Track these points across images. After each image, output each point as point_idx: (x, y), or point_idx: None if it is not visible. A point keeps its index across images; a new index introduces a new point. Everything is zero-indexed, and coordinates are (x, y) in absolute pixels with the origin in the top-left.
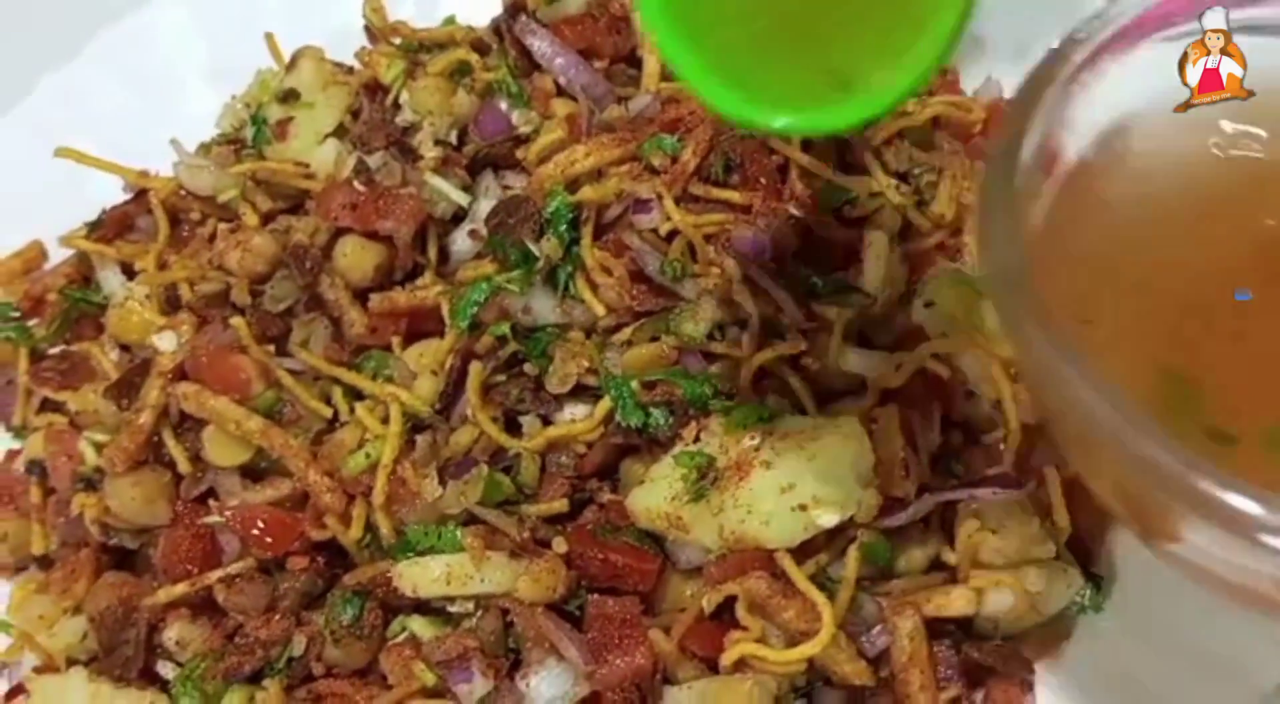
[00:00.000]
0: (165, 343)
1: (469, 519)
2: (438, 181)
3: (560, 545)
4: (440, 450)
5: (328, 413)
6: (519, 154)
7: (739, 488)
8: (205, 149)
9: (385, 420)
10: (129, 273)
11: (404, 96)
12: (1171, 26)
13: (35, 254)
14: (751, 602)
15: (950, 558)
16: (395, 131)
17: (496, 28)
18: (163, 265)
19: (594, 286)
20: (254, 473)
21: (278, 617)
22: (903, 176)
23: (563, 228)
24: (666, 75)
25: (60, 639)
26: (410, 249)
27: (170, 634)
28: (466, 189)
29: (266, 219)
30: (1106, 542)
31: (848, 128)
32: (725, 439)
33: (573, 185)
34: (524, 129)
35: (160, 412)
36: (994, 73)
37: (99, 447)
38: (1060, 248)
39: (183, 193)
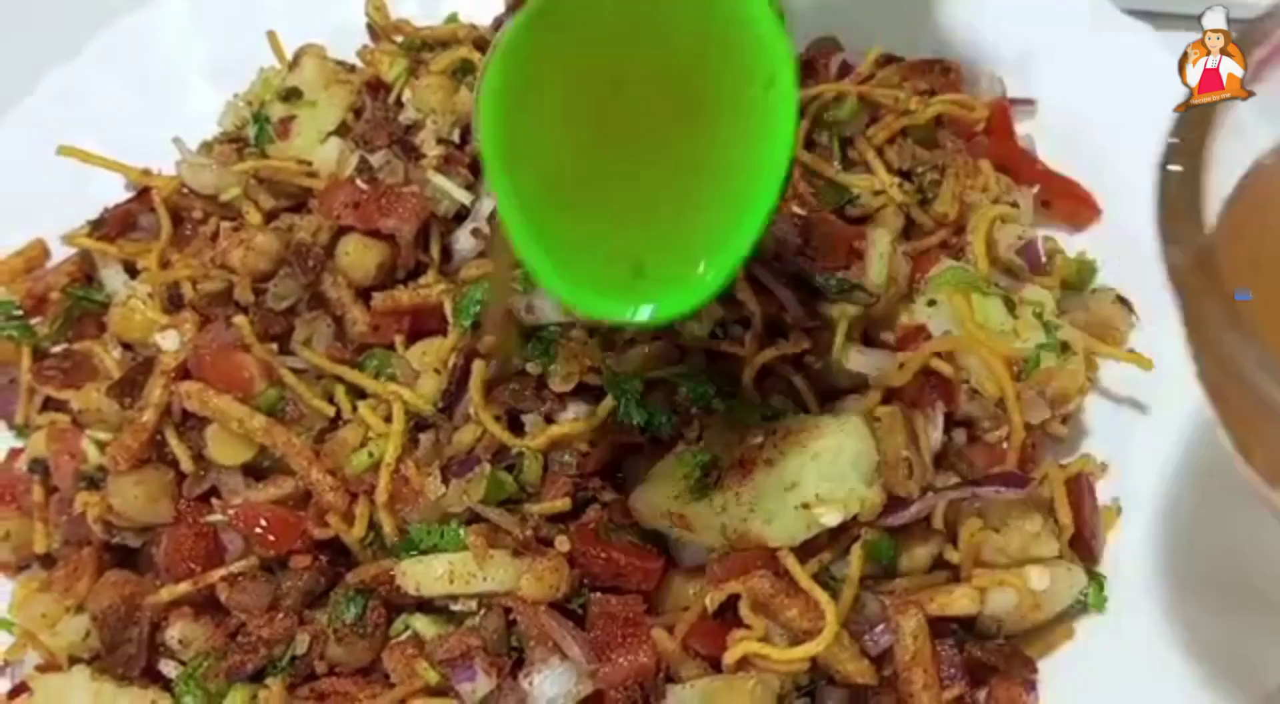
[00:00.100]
0: (168, 341)
1: (472, 518)
2: (440, 180)
3: (563, 544)
4: (443, 449)
5: (330, 411)
6: None
7: (742, 486)
8: (207, 147)
9: (388, 419)
10: (131, 271)
11: (406, 95)
12: None
13: (38, 252)
14: (754, 600)
15: (953, 557)
16: (398, 130)
17: (499, 25)
18: (165, 264)
19: None
20: (257, 471)
21: (280, 615)
22: (905, 175)
23: None
24: None
25: (63, 638)
26: (413, 247)
27: (173, 633)
28: (469, 187)
29: (269, 217)
30: (1109, 540)
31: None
32: (728, 437)
33: None
34: None
35: (163, 410)
36: (996, 71)
37: (101, 445)
38: (1238, 247)
39: (185, 191)
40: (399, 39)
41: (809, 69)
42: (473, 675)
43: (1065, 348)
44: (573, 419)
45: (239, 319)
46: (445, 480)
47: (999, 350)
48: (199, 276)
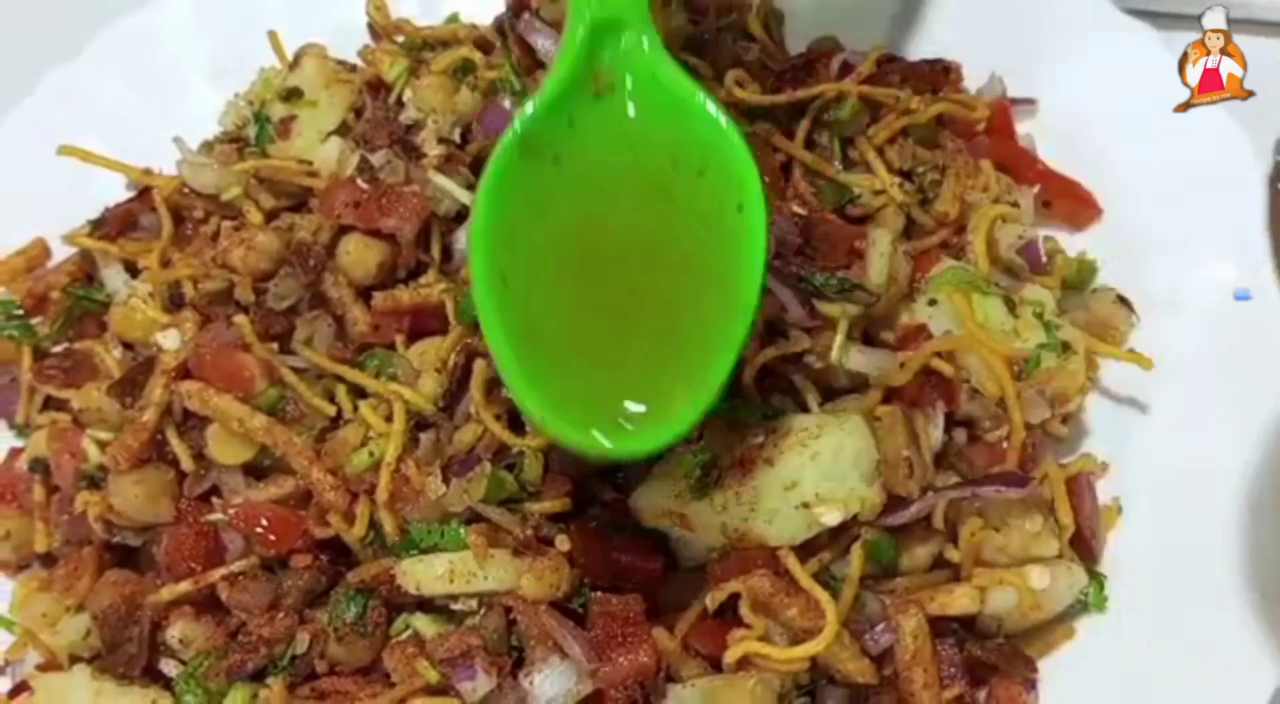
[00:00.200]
0: (168, 341)
1: (472, 517)
2: (441, 179)
3: (563, 543)
4: (444, 448)
5: (331, 411)
6: None
7: (742, 486)
8: (208, 147)
9: (389, 418)
10: (132, 271)
11: (407, 94)
12: None
13: (38, 252)
14: (755, 600)
15: (953, 556)
16: (398, 129)
17: (500, 26)
18: (166, 263)
19: None
20: (257, 471)
21: (281, 615)
22: (906, 175)
23: None
24: None
25: (63, 637)
26: (413, 247)
27: (173, 632)
28: (470, 187)
29: (270, 217)
30: (1109, 540)
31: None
32: (728, 437)
33: None
34: None
35: (163, 410)
36: (996, 71)
37: (102, 444)
38: None
39: (186, 191)
40: (400, 39)
41: (809, 69)
42: (473, 674)
43: (1065, 347)
44: None
45: (240, 318)
46: (446, 480)
47: (999, 350)
48: (200, 276)
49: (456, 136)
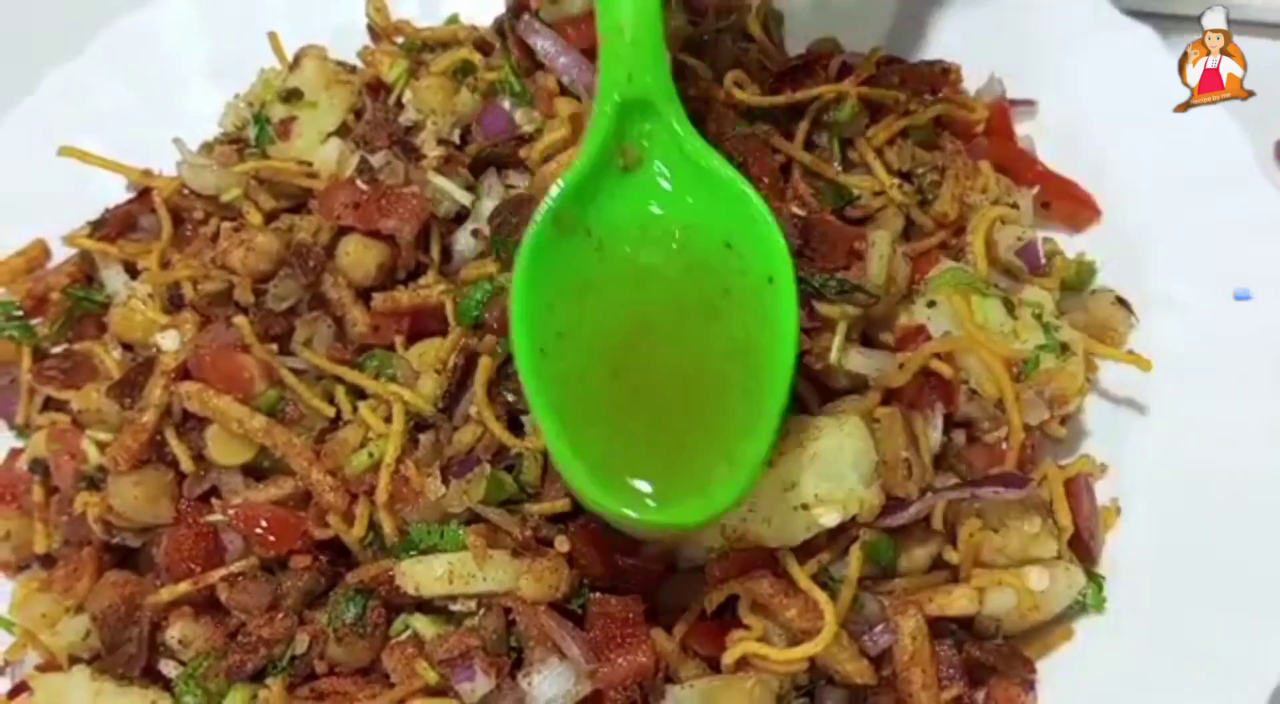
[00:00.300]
0: (168, 342)
1: (471, 518)
2: (440, 181)
3: (563, 544)
4: (443, 449)
5: (330, 412)
6: (522, 153)
7: None
8: (208, 148)
9: (388, 419)
10: (132, 272)
11: (407, 96)
12: None
13: (38, 253)
14: (753, 601)
15: (952, 557)
16: (398, 131)
17: (499, 27)
18: (166, 264)
19: None
20: (257, 472)
21: (280, 615)
22: (905, 176)
23: None
24: None
25: (63, 637)
26: (413, 248)
27: (173, 633)
28: (469, 188)
29: (269, 218)
30: (1108, 541)
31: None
32: None
33: None
34: (527, 128)
35: (163, 411)
36: (996, 72)
37: (102, 445)
38: None
39: (186, 192)
40: (399, 40)
41: (808, 70)
42: (472, 675)
43: (1064, 349)
44: None
45: (239, 319)
46: (445, 481)
47: (998, 351)
48: (199, 277)
49: (456, 138)
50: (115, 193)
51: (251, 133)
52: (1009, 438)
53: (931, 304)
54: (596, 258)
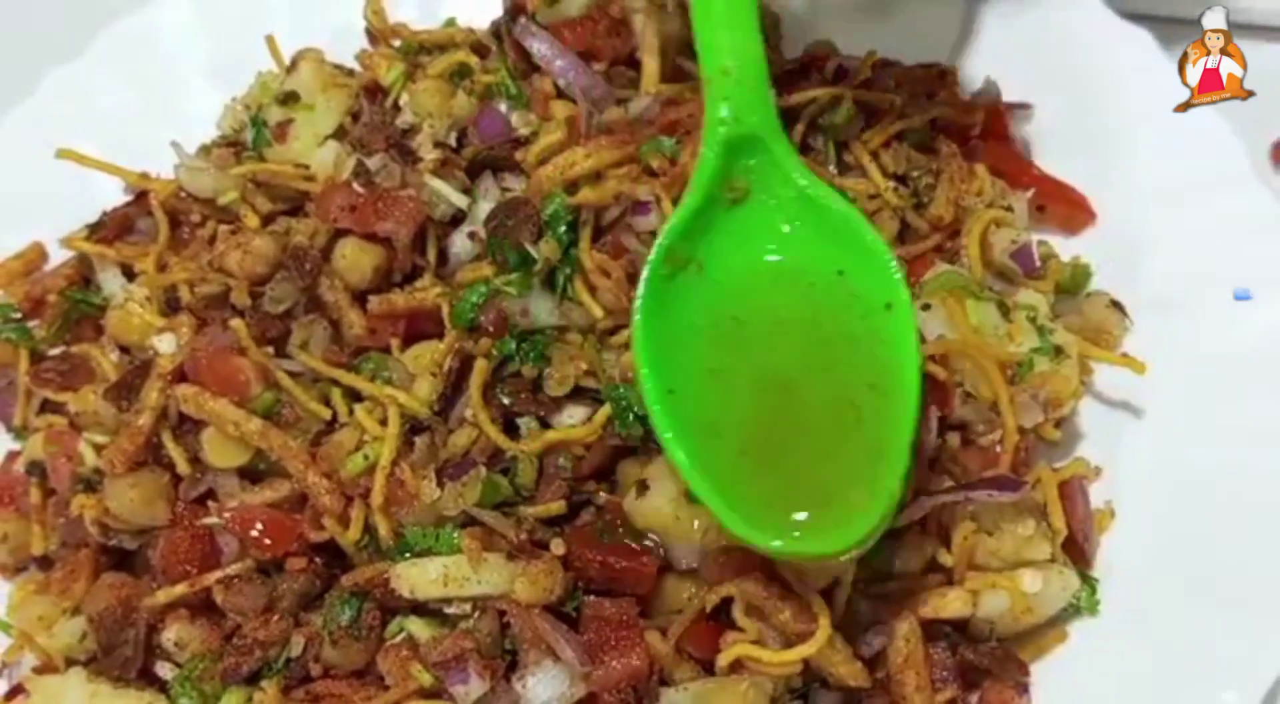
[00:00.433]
0: (165, 344)
1: (467, 521)
2: (437, 183)
3: (558, 547)
4: (438, 452)
5: (327, 414)
6: (518, 156)
7: None
8: (205, 151)
9: (384, 422)
10: (129, 274)
11: (404, 98)
12: None
13: (36, 255)
14: (748, 603)
15: (946, 560)
16: (395, 133)
17: (496, 30)
18: (163, 267)
19: (592, 289)
20: (253, 474)
21: (276, 617)
22: (901, 179)
23: (561, 230)
24: (665, 77)
25: (59, 640)
26: (409, 251)
27: (169, 635)
28: (466, 191)
29: (266, 221)
30: (1102, 544)
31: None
32: None
33: (571, 187)
34: (523, 131)
35: (159, 413)
36: (992, 75)
37: (98, 448)
38: None
39: (183, 195)
40: (397, 43)
41: (804, 73)
42: (466, 678)
43: (1059, 352)
44: (569, 423)
45: (236, 322)
46: (440, 483)
47: (993, 354)
48: (196, 280)
49: (452, 141)
50: (114, 194)
51: (249, 136)
52: (1003, 441)
53: (926, 307)
54: (709, 292)
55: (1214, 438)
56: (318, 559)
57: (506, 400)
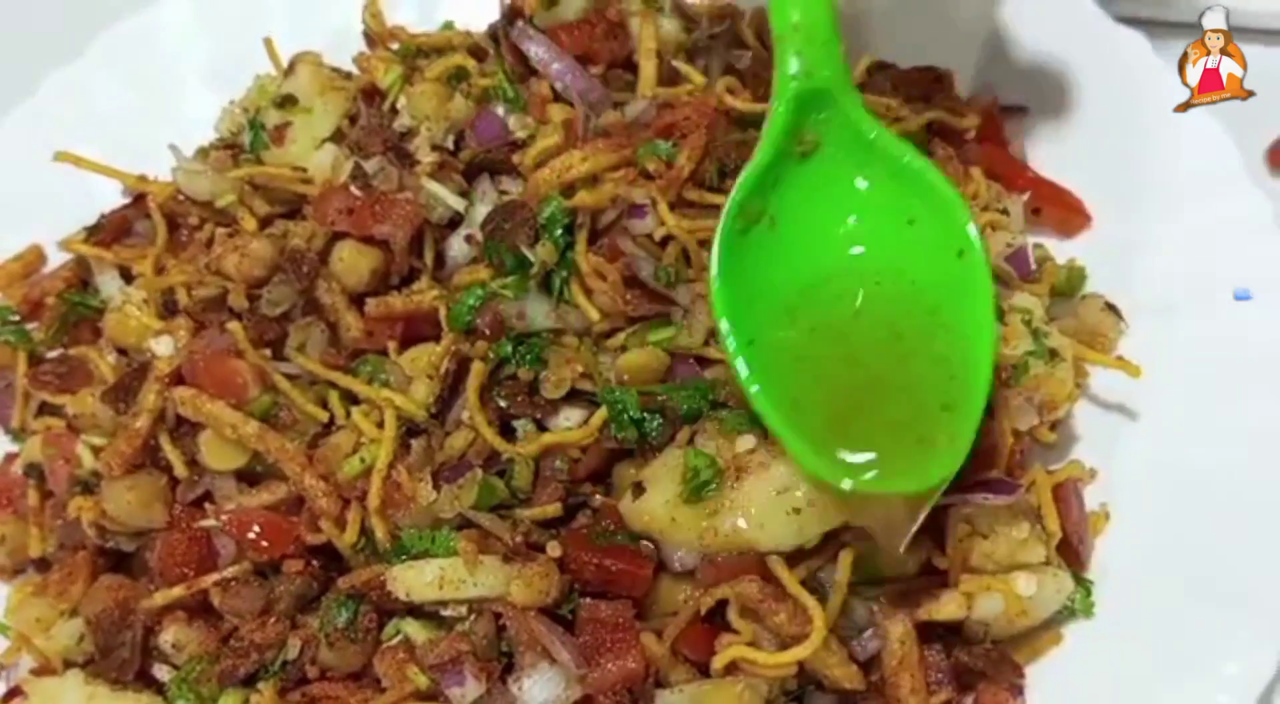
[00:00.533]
0: (162, 347)
1: (463, 523)
2: (434, 186)
3: (554, 550)
4: (435, 455)
5: (324, 417)
6: (515, 159)
7: (733, 491)
8: (203, 154)
9: (381, 424)
10: (127, 277)
11: (401, 101)
12: None
13: (34, 257)
14: (743, 605)
15: (941, 563)
16: (392, 137)
17: (493, 33)
18: (160, 270)
19: (588, 292)
20: (250, 477)
21: (273, 620)
22: None
23: (558, 233)
24: (662, 81)
25: (57, 641)
26: (406, 254)
27: (166, 637)
28: (463, 194)
29: (264, 224)
30: (1097, 546)
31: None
32: (720, 442)
33: (568, 190)
34: (520, 134)
35: (157, 415)
36: (988, 78)
37: (96, 450)
38: None
39: (181, 197)
40: (394, 46)
41: None
42: (462, 680)
43: (1054, 355)
44: (565, 425)
45: (233, 325)
46: (437, 486)
47: None
48: (194, 282)
49: (450, 144)
50: (111, 198)
51: (246, 138)
52: (998, 444)
53: None
54: (781, 245)
55: (1209, 439)
56: (314, 561)
57: (503, 403)
